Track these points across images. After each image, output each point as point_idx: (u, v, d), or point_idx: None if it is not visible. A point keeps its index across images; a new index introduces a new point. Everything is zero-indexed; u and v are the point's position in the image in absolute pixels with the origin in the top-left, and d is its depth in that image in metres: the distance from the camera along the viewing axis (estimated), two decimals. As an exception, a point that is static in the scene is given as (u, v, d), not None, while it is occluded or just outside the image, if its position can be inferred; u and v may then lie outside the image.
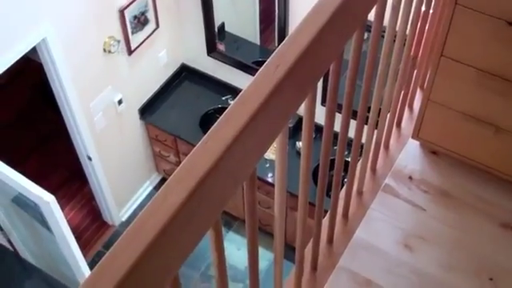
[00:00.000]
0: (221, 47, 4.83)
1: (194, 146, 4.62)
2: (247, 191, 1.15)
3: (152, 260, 0.87)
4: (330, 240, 1.97)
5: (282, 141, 1.20)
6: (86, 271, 3.66)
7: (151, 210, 0.89)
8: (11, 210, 3.96)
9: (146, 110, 4.94)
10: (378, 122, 1.93)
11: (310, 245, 1.86)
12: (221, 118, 0.98)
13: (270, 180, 4.52)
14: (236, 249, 4.95)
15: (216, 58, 4.88)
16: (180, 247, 0.96)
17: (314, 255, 1.87)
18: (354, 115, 1.65)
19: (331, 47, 1.24)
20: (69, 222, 3.41)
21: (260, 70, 1.02)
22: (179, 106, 5.02)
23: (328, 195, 1.71)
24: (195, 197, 0.91)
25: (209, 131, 0.97)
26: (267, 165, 4.60)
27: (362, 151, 1.94)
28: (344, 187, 1.96)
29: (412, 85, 2.20)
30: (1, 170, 3.26)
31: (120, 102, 4.57)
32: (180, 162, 5.30)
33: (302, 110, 1.28)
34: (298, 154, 4.51)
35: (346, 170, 1.83)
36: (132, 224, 0.88)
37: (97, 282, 0.82)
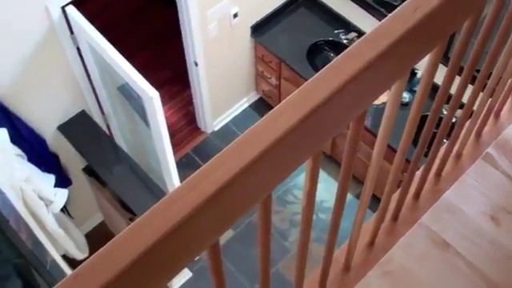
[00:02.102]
0: (345, -21, 4.71)
1: (297, 73, 4.60)
2: (352, 131, 1.15)
3: (253, 174, 0.90)
4: (417, 195, 1.95)
5: (398, 88, 1.18)
6: (173, 168, 3.82)
7: (260, 128, 0.91)
8: (115, 98, 4.15)
9: (258, 29, 4.95)
10: (495, 89, 1.86)
11: (395, 195, 1.86)
12: (347, 51, 0.97)
13: (364, 123, 4.46)
14: (316, 182, 5.00)
15: (337, -11, 4.78)
16: (279, 169, 0.98)
17: (398, 206, 1.87)
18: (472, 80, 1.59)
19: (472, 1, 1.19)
20: (165, 120, 3.54)
21: (398, 8, 1.00)
22: (290, 31, 4.98)
23: (424, 155, 1.69)
24: (305, 124, 0.92)
25: (332, 62, 0.96)
26: (366, 107, 4.53)
27: (471, 114, 1.88)
28: (444, 146, 1.92)
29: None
30: (113, 58, 3.39)
31: (235, 15, 4.59)
32: (280, 86, 5.27)
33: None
34: (400, 104, 4.41)
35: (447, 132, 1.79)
36: (239, 137, 0.91)
37: (200, 182, 0.85)
